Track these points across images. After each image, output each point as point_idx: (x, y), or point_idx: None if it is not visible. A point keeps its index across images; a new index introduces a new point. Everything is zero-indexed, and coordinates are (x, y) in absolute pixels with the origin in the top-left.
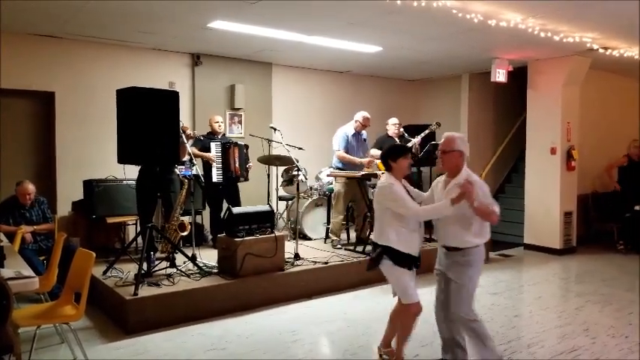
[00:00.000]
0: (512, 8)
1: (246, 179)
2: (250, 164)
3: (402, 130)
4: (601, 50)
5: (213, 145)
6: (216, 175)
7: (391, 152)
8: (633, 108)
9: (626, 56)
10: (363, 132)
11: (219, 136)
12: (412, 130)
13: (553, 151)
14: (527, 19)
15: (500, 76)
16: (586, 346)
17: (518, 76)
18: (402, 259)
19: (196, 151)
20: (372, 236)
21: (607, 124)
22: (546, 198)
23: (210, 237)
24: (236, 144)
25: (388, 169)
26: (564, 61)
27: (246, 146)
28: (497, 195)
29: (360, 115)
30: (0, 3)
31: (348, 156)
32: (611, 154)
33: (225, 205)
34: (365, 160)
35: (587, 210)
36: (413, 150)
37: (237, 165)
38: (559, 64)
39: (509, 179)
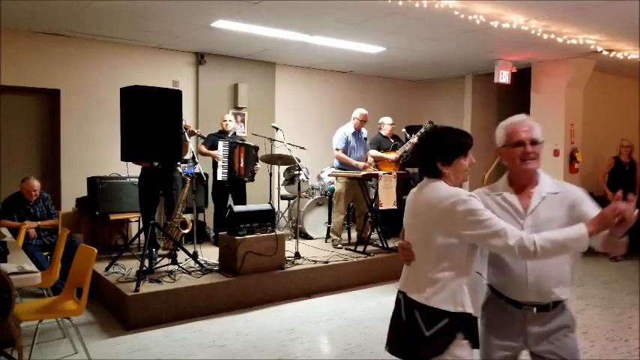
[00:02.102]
0: (514, 10)
1: (251, 180)
2: (258, 166)
3: (403, 130)
4: (605, 52)
5: (220, 143)
6: (220, 173)
7: (444, 151)
8: (637, 110)
9: (630, 59)
10: (363, 130)
11: (230, 135)
12: (414, 130)
13: (556, 153)
14: (530, 21)
15: (503, 77)
16: (585, 349)
17: (522, 77)
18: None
19: (204, 149)
20: (412, 294)
21: (611, 126)
22: None
23: (212, 234)
24: (243, 144)
25: (436, 175)
26: (568, 63)
27: (256, 148)
28: None
29: (357, 112)
30: (3, 2)
31: (345, 157)
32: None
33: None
34: (361, 164)
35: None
36: (407, 149)
37: (241, 165)
38: (563, 66)
39: None
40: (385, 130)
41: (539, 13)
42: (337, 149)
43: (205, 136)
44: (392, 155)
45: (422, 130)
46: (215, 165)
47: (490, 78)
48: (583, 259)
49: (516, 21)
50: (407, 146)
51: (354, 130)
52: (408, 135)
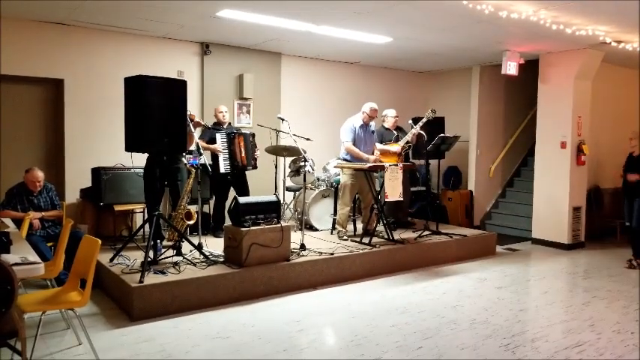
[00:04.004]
0: (523, 0)
1: (255, 167)
2: (257, 152)
3: (410, 122)
4: (614, 44)
5: (218, 135)
6: (223, 166)
7: None
8: None
9: (639, 50)
10: (371, 123)
11: (225, 126)
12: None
13: (563, 145)
14: (539, 11)
15: (511, 68)
16: (591, 342)
17: (530, 68)
18: None
19: (203, 144)
20: None
21: (619, 119)
22: (555, 192)
23: (211, 225)
24: (241, 133)
25: None
26: (576, 55)
27: (252, 134)
28: (506, 189)
29: (367, 107)
30: None
31: (355, 149)
32: (624, 150)
33: (231, 195)
34: (372, 157)
35: (599, 205)
36: (410, 139)
37: (243, 154)
38: (571, 58)
39: (518, 173)
40: (388, 123)
41: (549, 3)
42: (346, 141)
43: (209, 127)
44: (395, 147)
45: (424, 119)
46: (214, 158)
47: (497, 69)
48: (587, 251)
49: (525, 11)
50: (409, 136)
51: (361, 122)
52: (413, 126)
